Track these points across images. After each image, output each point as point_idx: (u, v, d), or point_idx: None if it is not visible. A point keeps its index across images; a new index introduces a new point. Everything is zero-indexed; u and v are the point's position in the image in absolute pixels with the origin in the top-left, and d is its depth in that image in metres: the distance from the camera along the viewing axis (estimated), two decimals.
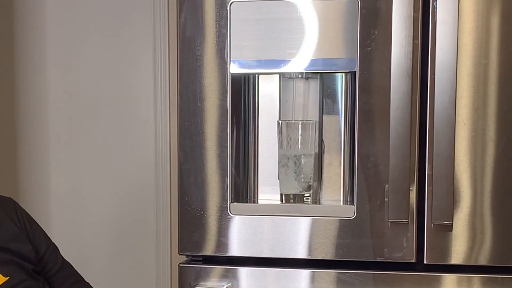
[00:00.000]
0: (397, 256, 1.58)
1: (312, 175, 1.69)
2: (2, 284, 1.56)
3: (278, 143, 1.70)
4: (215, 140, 1.64)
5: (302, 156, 1.68)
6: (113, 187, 2.63)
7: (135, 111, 2.60)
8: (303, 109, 1.72)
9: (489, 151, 1.53)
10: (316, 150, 1.71)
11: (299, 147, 1.68)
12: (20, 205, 1.76)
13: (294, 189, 1.69)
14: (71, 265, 1.80)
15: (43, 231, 1.76)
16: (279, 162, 1.70)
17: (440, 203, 1.53)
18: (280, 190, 1.71)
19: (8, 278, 1.57)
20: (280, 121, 1.71)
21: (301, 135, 1.69)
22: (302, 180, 1.68)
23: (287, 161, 1.68)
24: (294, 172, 1.68)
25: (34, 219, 1.77)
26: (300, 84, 1.72)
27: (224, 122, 1.63)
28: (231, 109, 1.63)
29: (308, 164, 1.68)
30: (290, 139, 1.69)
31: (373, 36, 1.55)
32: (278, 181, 1.72)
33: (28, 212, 1.76)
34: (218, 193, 1.64)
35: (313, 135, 1.70)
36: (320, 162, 1.73)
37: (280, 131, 1.70)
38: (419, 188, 1.56)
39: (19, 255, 1.62)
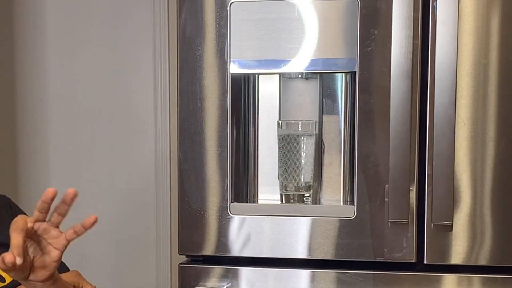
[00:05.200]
0: (397, 256, 1.57)
1: (314, 157, 1.69)
2: (8, 283, 1.56)
3: (278, 140, 1.70)
4: (215, 140, 1.64)
5: (303, 137, 1.67)
6: (113, 187, 2.63)
7: (135, 111, 2.60)
8: (303, 109, 1.72)
9: (489, 151, 1.53)
10: (317, 131, 1.71)
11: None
12: (20, 204, 1.75)
13: (295, 180, 1.68)
14: (64, 264, 1.79)
15: None
16: (279, 146, 1.69)
17: (440, 203, 1.53)
18: (279, 186, 1.71)
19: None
20: (280, 121, 1.71)
21: None
22: (302, 177, 1.68)
23: (287, 144, 1.67)
24: (295, 157, 1.67)
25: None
26: (300, 84, 1.72)
27: (224, 122, 1.63)
28: (231, 109, 1.63)
29: (309, 147, 1.67)
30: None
31: (373, 36, 1.55)
32: (278, 181, 1.72)
33: (29, 212, 1.76)
34: (218, 193, 1.64)
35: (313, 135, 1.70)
36: (320, 162, 1.73)
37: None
38: (419, 188, 1.56)
39: None
